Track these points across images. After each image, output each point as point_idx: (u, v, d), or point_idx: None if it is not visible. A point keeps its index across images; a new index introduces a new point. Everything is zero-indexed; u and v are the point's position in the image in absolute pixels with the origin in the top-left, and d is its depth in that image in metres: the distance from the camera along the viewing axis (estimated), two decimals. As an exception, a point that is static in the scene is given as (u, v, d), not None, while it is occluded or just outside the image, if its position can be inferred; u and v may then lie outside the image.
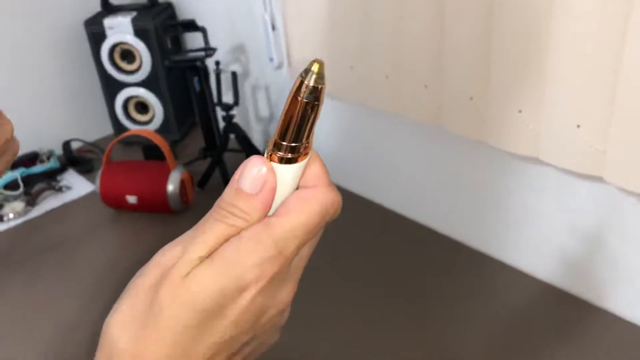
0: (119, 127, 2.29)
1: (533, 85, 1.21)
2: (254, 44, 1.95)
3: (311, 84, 0.37)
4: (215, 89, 1.89)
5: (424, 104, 1.45)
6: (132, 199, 1.85)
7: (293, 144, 0.37)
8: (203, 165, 2.00)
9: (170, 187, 1.80)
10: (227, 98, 1.91)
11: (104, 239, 1.87)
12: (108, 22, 2.07)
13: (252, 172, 0.37)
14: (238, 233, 0.36)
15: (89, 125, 2.34)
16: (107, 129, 2.36)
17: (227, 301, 0.35)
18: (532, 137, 1.26)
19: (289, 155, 0.38)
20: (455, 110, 1.38)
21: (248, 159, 0.38)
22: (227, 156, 1.94)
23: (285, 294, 0.39)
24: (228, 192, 0.37)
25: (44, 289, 1.62)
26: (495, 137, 1.33)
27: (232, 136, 1.93)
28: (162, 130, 2.22)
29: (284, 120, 0.36)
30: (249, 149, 1.92)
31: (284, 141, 0.37)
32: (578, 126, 1.16)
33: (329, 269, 1.55)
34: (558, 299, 1.41)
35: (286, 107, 0.36)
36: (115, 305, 0.38)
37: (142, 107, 2.26)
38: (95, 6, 2.16)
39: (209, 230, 0.36)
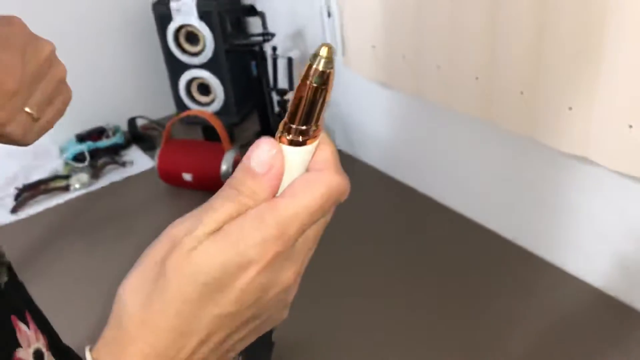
0: (182, 107, 2.37)
1: (585, 82, 1.17)
2: (311, 31, 1.97)
3: (320, 68, 0.36)
4: (271, 74, 1.92)
5: (474, 97, 1.42)
6: (187, 177, 1.93)
7: (302, 127, 0.38)
8: (257, 147, 2.04)
9: (224, 167, 1.86)
10: (284, 84, 1.94)
11: (160, 213, 1.95)
12: (174, 4, 2.14)
13: (262, 152, 0.37)
14: (245, 211, 0.37)
15: (154, 104, 2.44)
16: (171, 108, 2.45)
17: (228, 277, 0.36)
18: (582, 135, 1.22)
19: (299, 138, 0.38)
20: (505, 104, 1.35)
21: (259, 140, 0.38)
22: (281, 140, 1.98)
23: (290, 274, 0.39)
24: (239, 171, 0.38)
25: (102, 257, 1.71)
26: (545, 133, 1.29)
27: (286, 121, 1.96)
28: (222, 112, 2.28)
29: (293, 103, 0.37)
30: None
31: (293, 124, 0.38)
32: (630, 127, 1.11)
33: (373, 259, 1.57)
34: (606, 305, 1.36)
35: (295, 91, 0.37)
36: (130, 272, 0.39)
37: (204, 88, 2.33)
38: (164, -11, 2.23)
39: (218, 208, 0.37)
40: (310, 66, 0.35)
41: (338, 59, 1.87)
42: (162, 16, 2.19)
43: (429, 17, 1.45)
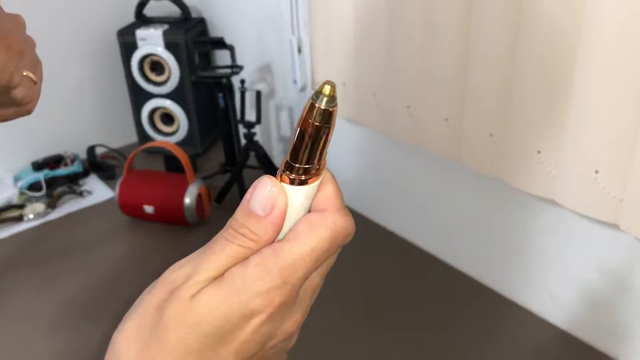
0: (143, 136, 2.32)
1: (553, 127, 1.20)
2: (280, 66, 1.97)
3: (322, 106, 0.35)
4: (239, 106, 1.91)
5: (444, 137, 1.44)
6: (149, 209, 1.88)
7: (305, 166, 0.37)
8: (222, 179, 2.02)
9: (187, 200, 1.82)
10: (250, 116, 1.93)
11: (119, 246, 1.89)
12: (140, 33, 2.12)
13: (263, 192, 0.36)
14: (247, 255, 0.36)
15: (115, 132, 2.38)
16: (132, 137, 2.40)
17: (231, 327, 0.35)
18: (549, 179, 1.25)
19: (301, 177, 0.37)
20: (474, 146, 1.38)
21: (259, 179, 0.37)
22: (247, 173, 1.96)
23: (292, 321, 0.38)
24: (239, 212, 0.37)
25: (58, 290, 1.64)
26: (513, 176, 1.32)
27: (252, 153, 1.94)
28: (185, 142, 2.25)
29: (296, 142, 0.36)
30: (268, 167, 1.94)
31: (295, 163, 0.36)
32: (596, 172, 1.15)
33: (336, 295, 1.55)
34: (570, 346, 1.38)
35: (297, 129, 0.36)
36: (123, 320, 0.37)
37: (168, 118, 2.29)
38: (129, 17, 2.21)
39: (219, 251, 0.36)
40: (312, 105, 0.34)
41: (307, 94, 1.88)
42: (127, 44, 2.15)
43: (400, 56, 1.47)
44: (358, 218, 1.89)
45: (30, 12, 2.04)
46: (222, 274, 0.35)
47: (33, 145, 2.16)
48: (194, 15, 2.25)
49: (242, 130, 1.96)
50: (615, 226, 1.17)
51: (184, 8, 2.17)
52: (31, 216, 1.96)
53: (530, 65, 1.19)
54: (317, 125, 0.35)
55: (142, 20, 2.20)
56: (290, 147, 0.36)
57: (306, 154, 0.36)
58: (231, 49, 1.83)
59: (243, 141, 1.96)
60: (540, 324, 1.45)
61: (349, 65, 1.62)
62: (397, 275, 1.65)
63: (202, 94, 2.22)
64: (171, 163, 2.03)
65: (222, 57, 2.19)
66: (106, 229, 1.95)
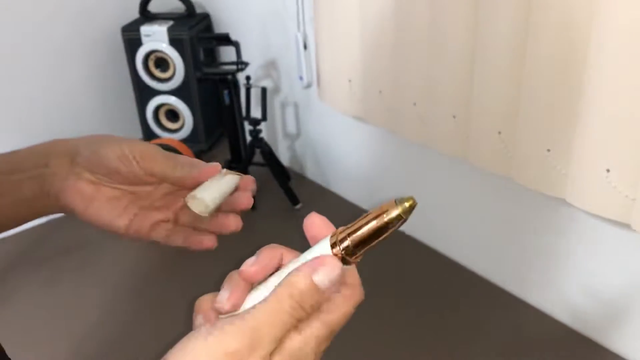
0: (148, 133, 2.31)
1: (563, 124, 1.18)
2: (286, 62, 1.95)
3: (403, 216, 0.40)
4: (244, 103, 1.90)
5: (451, 135, 1.42)
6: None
7: (358, 252, 0.40)
8: (227, 177, 2.00)
9: (193, 197, 1.81)
10: (256, 113, 1.92)
11: (124, 244, 1.88)
12: (145, 29, 2.10)
13: (332, 274, 0.39)
14: (300, 323, 0.39)
15: (120, 129, 2.37)
16: (137, 134, 2.39)
17: None
18: (559, 177, 1.23)
19: (351, 259, 0.40)
20: (482, 144, 1.35)
21: (326, 258, 0.39)
22: (252, 170, 1.94)
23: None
24: (305, 283, 0.39)
25: (63, 289, 1.64)
26: (522, 174, 1.29)
27: (257, 150, 1.93)
28: (190, 139, 2.24)
29: (368, 237, 0.40)
30: (273, 164, 1.92)
31: (357, 251, 0.40)
32: (608, 170, 1.13)
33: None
34: (575, 342, 1.36)
35: (372, 226, 0.40)
36: None
37: (173, 115, 2.28)
38: (134, 13, 2.19)
39: (282, 324, 0.38)
40: (400, 216, 0.39)
41: (312, 91, 1.86)
42: (132, 40, 2.14)
43: (407, 53, 1.45)
44: (362, 214, 1.87)
45: (35, 10, 2.04)
46: (281, 345, 0.38)
47: (39, 142, 2.15)
48: (198, 11, 2.24)
49: (247, 127, 1.94)
50: (627, 226, 1.15)
51: (188, 4, 2.15)
52: (36, 214, 1.95)
53: (539, 62, 1.16)
54: (392, 229, 0.40)
55: (146, 16, 2.18)
56: (358, 237, 0.39)
57: (368, 246, 0.40)
58: (236, 45, 1.81)
59: (248, 138, 1.95)
60: (550, 321, 1.43)
61: (355, 61, 1.60)
62: (402, 271, 1.64)
63: (207, 91, 2.21)
64: (176, 160, 2.02)
65: (227, 54, 2.18)
66: (111, 227, 1.94)
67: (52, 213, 0.58)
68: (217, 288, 0.43)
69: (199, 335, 0.36)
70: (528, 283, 1.48)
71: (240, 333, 0.36)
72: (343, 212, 1.92)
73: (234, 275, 0.41)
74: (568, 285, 1.38)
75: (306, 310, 0.38)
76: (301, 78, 1.80)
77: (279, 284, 0.38)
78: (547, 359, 1.34)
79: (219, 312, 0.40)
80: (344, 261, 0.39)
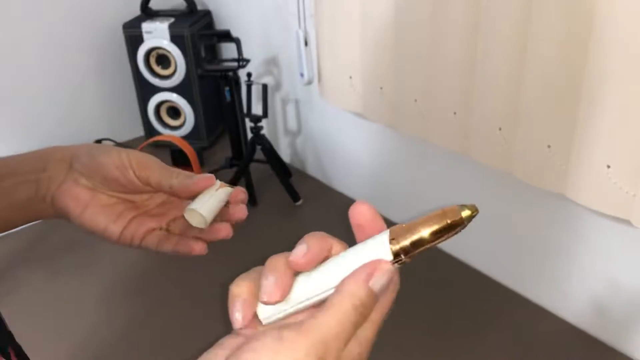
0: (150, 130, 2.31)
1: (564, 121, 1.18)
2: (287, 59, 1.95)
3: (465, 222, 0.40)
4: (245, 100, 1.90)
5: (452, 131, 1.42)
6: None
7: (415, 253, 0.40)
8: (229, 174, 2.01)
9: (194, 194, 1.81)
10: (257, 110, 1.92)
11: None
12: (146, 26, 2.11)
13: (386, 280, 0.39)
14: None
15: (121, 126, 2.37)
16: (139, 131, 2.39)
17: None
18: (560, 173, 1.23)
19: (405, 258, 0.40)
20: (483, 140, 1.36)
21: (382, 264, 0.40)
22: (253, 167, 1.95)
23: None
24: (363, 291, 0.39)
25: (63, 286, 1.64)
26: (522, 170, 1.30)
27: (258, 147, 1.93)
28: (191, 136, 2.24)
29: (426, 235, 0.40)
30: (274, 161, 1.92)
31: (413, 248, 0.40)
32: (608, 166, 1.13)
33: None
34: (580, 341, 1.37)
35: (434, 228, 0.40)
36: None
37: (174, 112, 2.28)
38: (135, 10, 2.19)
39: (346, 338, 0.38)
40: (464, 224, 0.39)
41: (313, 88, 1.86)
42: (133, 37, 2.14)
43: (407, 49, 1.45)
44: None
45: (36, 7, 2.05)
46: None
47: (39, 139, 2.15)
48: (199, 7, 2.24)
49: (248, 124, 1.94)
50: (627, 222, 1.15)
51: (189, 1, 2.15)
52: (38, 211, 1.95)
53: (540, 59, 1.16)
54: (452, 233, 0.39)
55: (147, 13, 2.18)
56: (418, 238, 0.39)
57: (423, 248, 0.39)
58: (237, 41, 1.81)
59: (249, 135, 1.95)
60: (548, 317, 1.43)
61: (356, 58, 1.60)
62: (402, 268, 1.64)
63: (208, 87, 2.21)
64: (178, 157, 2.03)
65: (228, 51, 2.18)
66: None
67: (46, 217, 0.59)
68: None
69: (266, 344, 0.36)
70: (527, 278, 1.48)
71: (311, 347, 0.36)
72: (343, 209, 1.93)
73: (279, 263, 0.40)
74: (567, 280, 1.38)
75: (365, 316, 0.39)
76: (302, 75, 1.80)
77: (338, 292, 0.39)
78: (551, 354, 1.35)
79: (265, 302, 0.40)
80: (397, 259, 0.39)
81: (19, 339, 0.65)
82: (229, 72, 1.83)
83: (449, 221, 0.39)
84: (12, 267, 1.74)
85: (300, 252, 0.40)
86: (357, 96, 1.64)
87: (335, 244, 0.42)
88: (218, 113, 2.29)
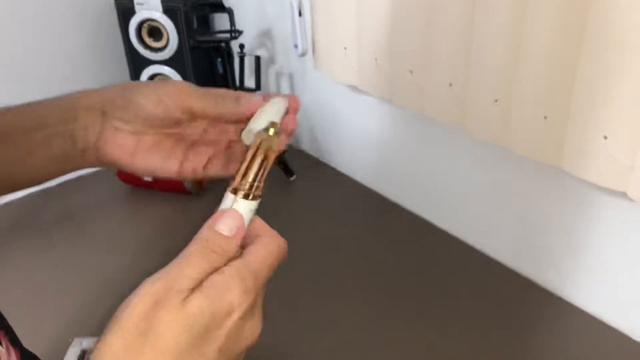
0: (142, 104, 2.28)
1: (560, 91, 1.16)
2: (281, 30, 1.92)
3: (276, 140, 0.51)
4: (238, 72, 1.87)
5: (447, 103, 1.40)
6: (147, 177, 1.85)
7: (256, 184, 0.48)
8: (221, 148, 1.99)
9: (186, 168, 1.79)
10: (250, 82, 1.89)
11: (117, 214, 1.87)
12: (138, -3, 2.06)
13: (231, 220, 0.45)
14: (217, 267, 0.44)
15: (113, 100, 2.34)
16: (131, 105, 2.36)
17: (216, 324, 0.41)
18: (556, 145, 1.21)
19: (256, 194, 0.48)
20: (478, 112, 1.33)
21: (225, 211, 0.47)
22: (246, 141, 1.92)
23: (258, 320, 0.46)
24: (210, 233, 0.45)
25: (56, 258, 1.63)
26: (519, 143, 1.28)
27: (251, 121, 1.91)
28: (184, 110, 2.22)
29: (257, 168, 0.48)
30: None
31: (253, 182, 0.48)
32: (605, 137, 1.11)
33: (341, 274, 1.53)
34: (563, 310, 1.36)
35: (257, 159, 0.48)
36: (104, 335, 0.40)
37: (167, 85, 2.25)
38: (127, -19, 2.15)
39: (195, 266, 0.43)
40: (274, 139, 0.48)
41: (307, 60, 1.83)
42: (125, 9, 2.10)
43: (403, 20, 1.42)
44: (357, 186, 1.86)
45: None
46: (201, 284, 0.42)
47: (30, 113, 2.12)
48: (192, -21, 2.19)
49: (241, 97, 1.92)
50: (623, 194, 1.13)
51: (182, -29, 2.11)
52: (28, 184, 1.93)
53: (537, 28, 1.14)
54: (275, 155, 0.48)
55: (139, -17, 2.14)
56: (244, 168, 0.47)
57: (261, 178, 0.48)
58: (230, 12, 1.78)
59: (242, 108, 1.92)
60: (540, 292, 1.42)
61: (351, 28, 1.57)
62: (391, 241, 1.63)
63: (200, 60, 2.17)
64: (170, 131, 2.00)
65: (221, 22, 2.14)
66: (104, 197, 1.92)
67: (90, 167, 0.59)
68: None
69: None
70: (521, 253, 1.47)
71: (159, 280, 0.41)
72: (337, 185, 1.91)
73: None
74: (562, 256, 1.38)
75: (216, 251, 0.43)
76: (296, 46, 1.77)
77: (190, 243, 0.45)
78: (540, 326, 1.34)
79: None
80: (253, 197, 0.46)
81: (9, 312, 0.63)
82: (221, 43, 1.80)
83: (259, 143, 0.46)
84: (2, 239, 1.72)
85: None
86: (351, 68, 1.62)
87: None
88: (211, 86, 2.25)
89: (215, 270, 0.43)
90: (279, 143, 0.47)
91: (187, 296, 0.41)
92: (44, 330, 1.34)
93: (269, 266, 0.46)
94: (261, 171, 0.46)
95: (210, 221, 0.45)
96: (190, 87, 0.56)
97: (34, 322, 1.41)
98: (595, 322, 1.33)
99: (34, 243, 1.69)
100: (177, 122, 0.56)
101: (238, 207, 0.46)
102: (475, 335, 1.30)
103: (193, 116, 0.55)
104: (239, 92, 0.58)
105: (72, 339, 1.21)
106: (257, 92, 1.89)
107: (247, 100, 0.55)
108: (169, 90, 0.54)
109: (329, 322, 1.34)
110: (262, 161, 0.46)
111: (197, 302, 0.40)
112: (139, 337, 0.39)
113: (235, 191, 0.46)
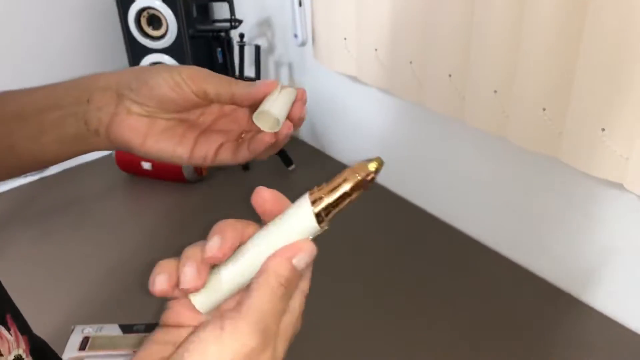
0: (141, 93, 2.28)
1: (559, 82, 1.16)
2: (280, 20, 1.92)
3: (375, 175, 0.42)
4: (238, 61, 1.87)
5: (447, 94, 1.41)
6: (146, 165, 1.85)
7: (334, 213, 0.42)
8: (220, 137, 1.99)
9: (185, 157, 1.79)
10: (249, 72, 1.89)
11: (116, 202, 1.88)
12: (137, -15, 2.06)
13: (309, 257, 0.41)
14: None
15: (112, 88, 2.34)
16: (130, 94, 2.36)
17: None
18: (554, 136, 1.22)
19: (327, 219, 0.43)
20: (477, 103, 1.34)
21: (303, 244, 0.41)
22: (245, 130, 1.93)
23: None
24: (292, 275, 0.41)
25: (56, 245, 1.63)
26: (517, 134, 1.28)
27: (251, 111, 1.91)
28: (183, 99, 2.21)
29: (341, 194, 0.42)
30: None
31: (333, 208, 0.42)
32: (603, 130, 1.12)
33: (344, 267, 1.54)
34: (559, 300, 1.38)
35: (347, 186, 0.42)
36: None
37: (166, 74, 2.25)
38: (126, -31, 2.14)
39: (279, 314, 0.40)
40: (373, 178, 0.41)
41: (307, 49, 1.83)
42: (124, -3, 2.09)
43: (403, 10, 1.42)
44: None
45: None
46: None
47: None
48: (192, -33, 2.19)
49: (241, 86, 1.92)
50: (619, 185, 1.14)
51: (181, -41, 2.10)
52: (28, 172, 1.94)
53: (536, 21, 1.14)
54: (364, 188, 0.42)
55: (138, -28, 2.13)
56: (336, 197, 0.41)
57: (343, 206, 0.41)
58: (229, 1, 1.78)
59: (242, 98, 1.93)
60: (538, 282, 1.44)
61: (350, 19, 1.57)
62: (396, 234, 1.64)
63: (200, 49, 2.17)
64: (169, 120, 2.00)
65: (221, 11, 2.14)
66: (104, 185, 1.93)
67: (102, 149, 0.58)
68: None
69: (211, 335, 0.37)
70: (519, 243, 1.49)
71: (252, 328, 0.36)
72: (336, 174, 1.92)
73: (194, 254, 0.40)
74: (558, 246, 1.39)
75: (292, 293, 0.40)
76: (296, 36, 1.77)
77: (263, 272, 0.39)
78: (535, 315, 1.35)
79: (184, 292, 0.40)
80: (319, 219, 0.41)
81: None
82: (221, 32, 1.80)
83: (359, 176, 0.41)
84: (2, 228, 1.73)
85: (214, 246, 0.40)
86: (351, 58, 1.62)
87: (248, 226, 0.43)
88: (210, 75, 2.25)
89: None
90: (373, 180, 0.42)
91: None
92: (46, 318, 1.35)
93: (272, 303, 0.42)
94: (345, 198, 0.41)
95: (285, 254, 0.40)
96: (205, 71, 0.55)
97: (35, 309, 1.41)
98: (595, 313, 1.35)
99: (34, 231, 1.70)
100: (192, 106, 0.55)
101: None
102: (477, 333, 1.32)
103: (207, 99, 0.55)
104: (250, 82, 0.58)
105: (74, 327, 1.22)
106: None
107: (260, 82, 0.55)
108: (185, 73, 0.54)
109: (327, 312, 1.35)
110: (353, 188, 0.41)
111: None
112: None
113: (315, 203, 0.41)
